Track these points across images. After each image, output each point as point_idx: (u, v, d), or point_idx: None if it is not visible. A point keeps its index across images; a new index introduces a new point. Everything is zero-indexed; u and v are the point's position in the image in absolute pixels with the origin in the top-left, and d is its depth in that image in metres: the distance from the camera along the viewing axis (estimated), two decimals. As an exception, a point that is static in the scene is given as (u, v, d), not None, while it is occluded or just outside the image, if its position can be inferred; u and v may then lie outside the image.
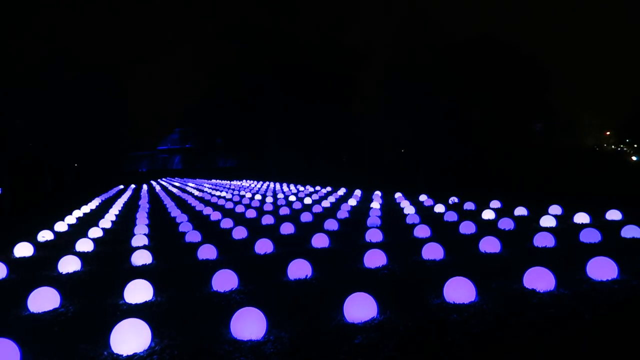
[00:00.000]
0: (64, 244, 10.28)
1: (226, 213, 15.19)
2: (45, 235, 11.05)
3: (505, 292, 5.37)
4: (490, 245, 7.66)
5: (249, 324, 4.37)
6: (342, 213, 13.23)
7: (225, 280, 6.09)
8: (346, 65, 51.44)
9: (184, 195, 24.93)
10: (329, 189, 24.97)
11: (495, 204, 13.99)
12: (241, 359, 3.96)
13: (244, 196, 22.44)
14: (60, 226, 12.81)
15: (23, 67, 28.26)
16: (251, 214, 14.42)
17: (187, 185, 38.85)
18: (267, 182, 37.60)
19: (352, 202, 17.02)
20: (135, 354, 4.12)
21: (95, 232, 11.36)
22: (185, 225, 11.79)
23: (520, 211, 12.07)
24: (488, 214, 11.67)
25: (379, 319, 4.67)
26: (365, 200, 18.04)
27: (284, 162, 52.83)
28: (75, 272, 7.47)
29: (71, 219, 14.67)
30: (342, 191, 22.96)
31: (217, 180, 47.67)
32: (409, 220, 11.45)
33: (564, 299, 5.06)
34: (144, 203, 20.08)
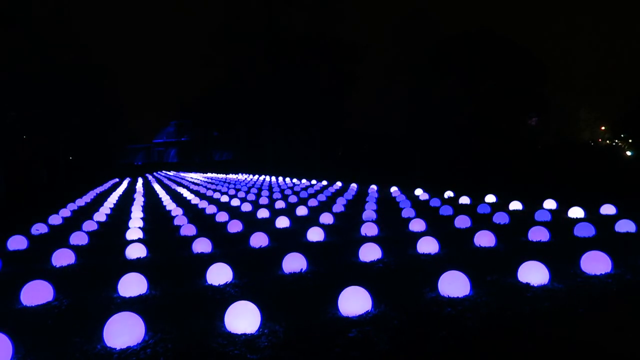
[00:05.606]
0: (58, 237, 10.22)
1: (221, 206, 15.16)
2: (39, 228, 10.99)
3: (500, 286, 5.39)
4: (485, 239, 7.67)
5: (243, 318, 4.37)
6: (338, 207, 13.23)
7: (219, 274, 6.08)
8: (343, 58, 51.24)
9: (179, 189, 24.87)
10: (324, 182, 24.94)
11: (491, 198, 14.02)
12: (235, 352, 3.96)
13: (239, 190, 22.41)
14: (55, 219, 12.75)
15: (16, 59, 28.01)
16: (246, 207, 14.40)
17: (183, 179, 38.71)
18: (263, 176, 37.53)
19: (348, 195, 17.02)
20: (128, 348, 4.10)
21: (89, 225, 11.31)
22: (180, 219, 11.76)
23: (515, 205, 12.10)
24: (483, 208, 11.70)
25: (373, 312, 4.68)
26: (361, 194, 18.04)
27: (280, 156, 52.72)
28: (69, 265, 7.43)
29: (66, 212, 14.61)
30: (337, 185, 22.96)
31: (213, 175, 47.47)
32: (404, 214, 11.47)
33: (558, 292, 5.08)
34: (138, 196, 20.02)
